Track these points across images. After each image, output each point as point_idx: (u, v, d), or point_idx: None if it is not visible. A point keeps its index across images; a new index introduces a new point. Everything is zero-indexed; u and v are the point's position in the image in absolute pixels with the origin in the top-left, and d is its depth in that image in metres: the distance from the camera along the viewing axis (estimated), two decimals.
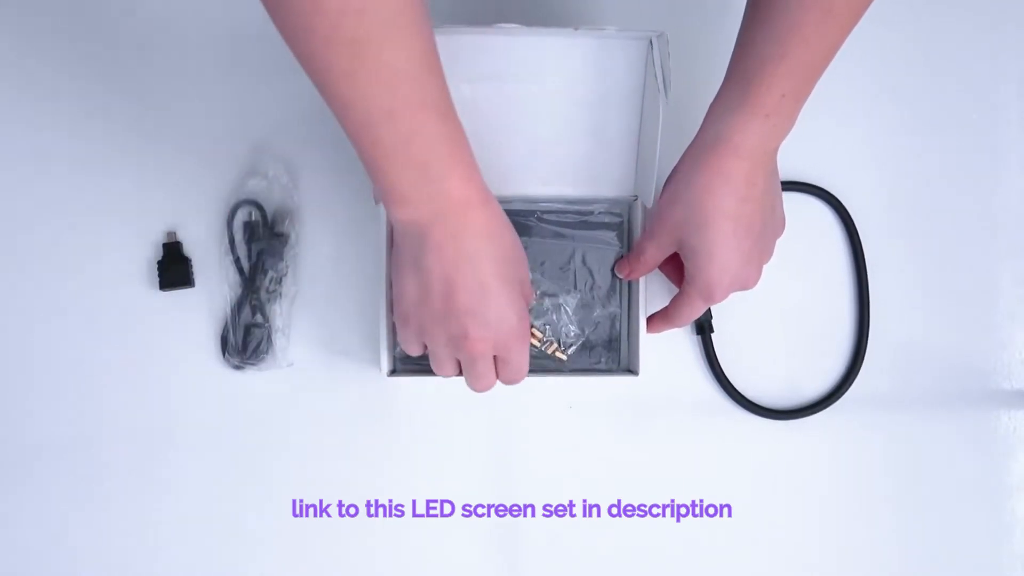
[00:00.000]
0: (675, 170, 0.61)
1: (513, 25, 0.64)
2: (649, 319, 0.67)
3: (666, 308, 0.65)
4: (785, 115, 0.56)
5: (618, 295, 0.70)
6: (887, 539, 0.73)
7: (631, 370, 0.68)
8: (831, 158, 0.74)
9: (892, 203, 0.75)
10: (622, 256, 0.69)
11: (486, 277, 0.54)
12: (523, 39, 0.66)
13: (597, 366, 0.70)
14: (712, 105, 0.59)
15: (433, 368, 0.59)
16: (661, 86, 0.62)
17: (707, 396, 0.73)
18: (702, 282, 0.60)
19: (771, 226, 0.61)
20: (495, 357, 0.57)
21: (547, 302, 0.70)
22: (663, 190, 0.61)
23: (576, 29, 0.64)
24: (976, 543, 0.73)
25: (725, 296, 0.60)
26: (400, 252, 0.56)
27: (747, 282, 0.60)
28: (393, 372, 0.67)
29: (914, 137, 0.75)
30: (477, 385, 0.59)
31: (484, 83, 0.67)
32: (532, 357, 0.60)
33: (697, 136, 0.60)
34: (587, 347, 0.70)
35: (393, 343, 0.68)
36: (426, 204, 0.52)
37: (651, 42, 0.64)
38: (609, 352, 0.70)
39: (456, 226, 0.53)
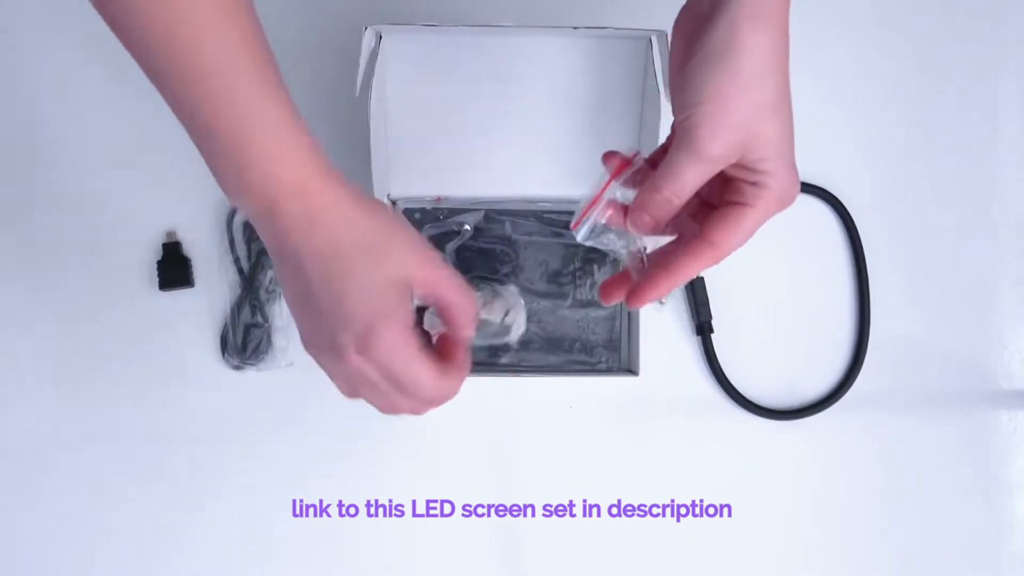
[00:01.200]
0: (697, 47, 0.42)
1: (512, 25, 0.64)
2: (648, 283, 0.46)
3: (684, 254, 0.45)
4: None
5: None
6: (887, 539, 0.73)
7: (631, 370, 0.68)
8: (831, 158, 0.74)
9: (892, 203, 0.75)
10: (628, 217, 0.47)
11: (326, 275, 0.44)
12: (523, 39, 0.66)
13: (597, 366, 0.70)
14: None
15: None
16: (661, 86, 0.62)
17: (707, 396, 0.73)
18: (784, 182, 0.43)
19: None
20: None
21: (545, 302, 0.70)
22: (685, 84, 0.42)
23: (576, 29, 0.64)
24: (976, 543, 0.73)
25: None
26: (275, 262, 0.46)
27: None
28: None
29: (914, 137, 0.75)
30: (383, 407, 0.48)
31: (484, 83, 0.67)
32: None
33: None
34: (587, 347, 0.70)
35: None
36: (258, 192, 0.43)
37: (651, 41, 0.64)
38: (609, 352, 0.70)
39: (299, 216, 0.43)
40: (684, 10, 0.46)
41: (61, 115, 0.72)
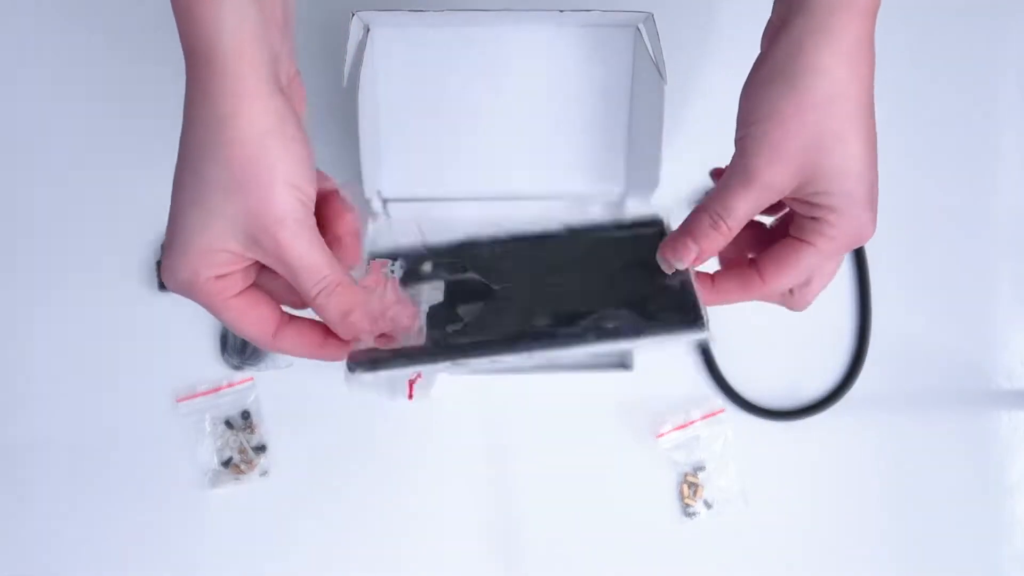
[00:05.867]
0: (756, 89, 0.39)
1: (500, 9, 0.62)
2: (714, 282, 0.44)
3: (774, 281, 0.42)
4: None
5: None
6: (887, 539, 0.73)
7: (624, 364, 0.67)
8: None
9: (892, 203, 0.74)
10: (666, 240, 0.43)
11: (181, 189, 0.39)
12: (511, 27, 0.65)
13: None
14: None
15: None
16: (657, 69, 0.59)
17: (707, 397, 0.73)
18: (852, 221, 0.39)
19: None
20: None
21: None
22: (744, 100, 0.40)
23: (562, 12, 0.62)
24: (976, 543, 0.73)
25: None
26: None
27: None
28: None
29: (914, 137, 0.75)
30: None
31: (474, 76, 0.66)
32: None
33: (770, 50, 0.39)
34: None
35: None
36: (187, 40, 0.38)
37: (638, 28, 0.63)
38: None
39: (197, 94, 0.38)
40: (767, 26, 0.42)
41: (62, 115, 0.73)
